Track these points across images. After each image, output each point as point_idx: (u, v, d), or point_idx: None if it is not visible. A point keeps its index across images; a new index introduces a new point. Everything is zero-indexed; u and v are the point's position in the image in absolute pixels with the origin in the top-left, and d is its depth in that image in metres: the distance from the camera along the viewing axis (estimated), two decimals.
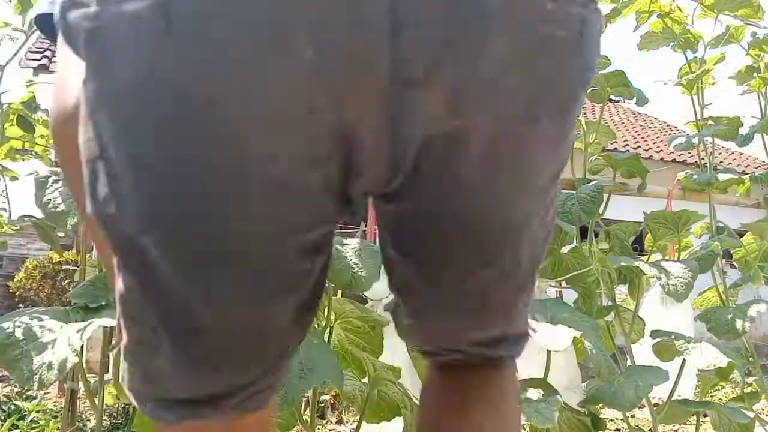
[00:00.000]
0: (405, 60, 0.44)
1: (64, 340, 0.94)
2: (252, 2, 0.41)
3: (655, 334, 1.57)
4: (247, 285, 0.51)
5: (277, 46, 0.42)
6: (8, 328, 0.95)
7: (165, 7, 0.41)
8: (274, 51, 0.42)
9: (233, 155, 0.44)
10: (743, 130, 2.02)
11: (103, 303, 1.09)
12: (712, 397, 4.13)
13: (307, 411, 1.42)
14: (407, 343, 0.78)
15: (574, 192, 1.62)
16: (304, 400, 1.57)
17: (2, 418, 3.70)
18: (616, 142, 7.78)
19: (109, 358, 1.27)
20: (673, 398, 1.62)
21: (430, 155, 0.50)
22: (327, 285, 1.35)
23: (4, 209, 1.36)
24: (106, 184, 0.47)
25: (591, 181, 1.67)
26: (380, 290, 1.65)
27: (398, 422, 1.39)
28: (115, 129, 0.45)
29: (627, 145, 8.86)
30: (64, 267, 8.11)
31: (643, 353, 1.65)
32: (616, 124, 10.11)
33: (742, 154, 9.95)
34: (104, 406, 1.24)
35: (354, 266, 1.21)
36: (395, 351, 1.55)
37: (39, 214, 1.09)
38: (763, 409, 4.00)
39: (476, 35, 0.45)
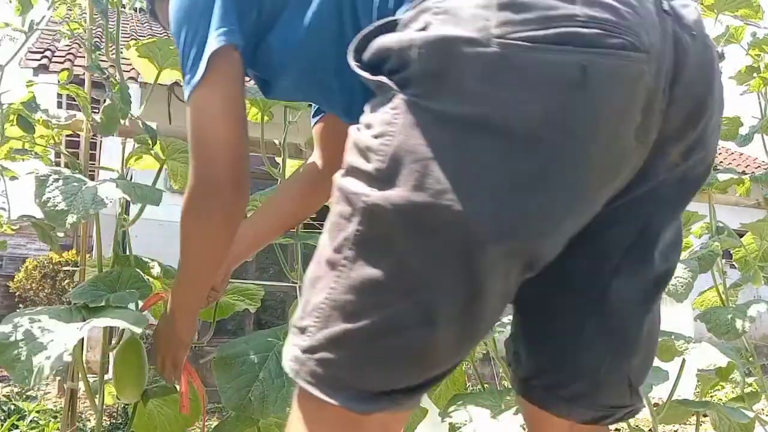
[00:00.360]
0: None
1: (61, 340, 0.94)
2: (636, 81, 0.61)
3: None
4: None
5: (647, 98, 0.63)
6: (8, 329, 0.95)
7: (585, 67, 0.57)
8: (622, 94, 0.61)
9: (607, 152, 0.62)
10: (743, 130, 2.02)
11: (102, 303, 1.09)
12: (712, 397, 4.13)
13: None
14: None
15: None
16: None
17: (2, 418, 3.69)
18: None
19: (109, 358, 1.27)
20: (673, 398, 1.62)
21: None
22: None
23: (4, 209, 1.36)
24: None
25: None
26: None
27: None
28: (502, 147, 0.58)
29: None
30: (64, 267, 8.12)
31: None
32: None
33: (741, 154, 9.95)
34: (104, 406, 1.24)
35: None
36: None
37: (38, 213, 1.08)
38: (763, 409, 4.00)
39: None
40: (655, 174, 0.71)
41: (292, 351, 0.64)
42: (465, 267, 0.60)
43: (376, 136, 0.62)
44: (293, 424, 0.65)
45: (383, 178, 0.60)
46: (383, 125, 0.61)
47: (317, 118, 1.13)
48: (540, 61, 0.58)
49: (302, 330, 0.64)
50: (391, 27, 0.65)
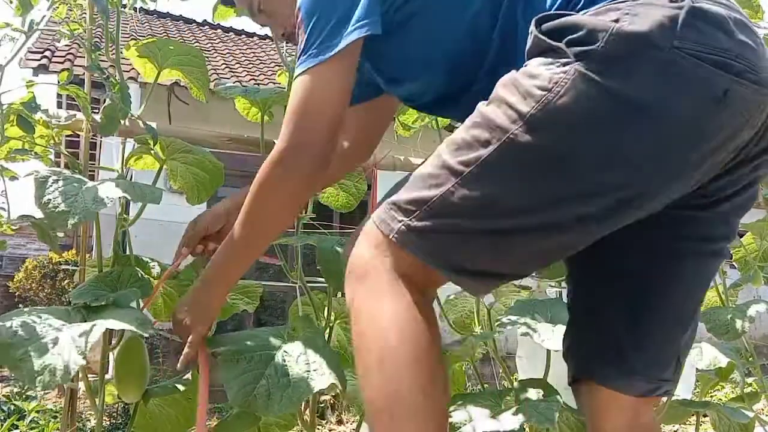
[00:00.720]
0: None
1: (67, 342, 0.93)
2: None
3: None
4: None
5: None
6: (11, 327, 0.95)
7: (727, 90, 0.75)
8: (745, 117, 0.79)
9: (723, 137, 0.78)
10: None
11: (103, 303, 1.09)
12: (712, 397, 4.13)
13: (307, 411, 1.42)
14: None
15: None
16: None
17: (2, 418, 3.69)
18: None
19: (109, 358, 1.27)
20: (673, 398, 1.62)
21: None
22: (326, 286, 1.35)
23: (3, 209, 1.36)
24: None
25: None
26: None
27: None
28: (648, 125, 0.75)
29: None
30: (63, 267, 8.11)
31: None
32: None
33: None
34: (104, 406, 1.24)
35: None
36: None
37: (38, 213, 1.08)
38: (762, 409, 4.00)
39: None
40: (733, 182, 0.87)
41: (397, 225, 0.82)
42: (575, 212, 0.77)
43: (540, 88, 0.75)
44: (379, 271, 0.82)
45: (533, 123, 0.75)
46: (550, 82, 0.75)
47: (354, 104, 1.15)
48: (699, 75, 0.74)
49: (409, 212, 0.81)
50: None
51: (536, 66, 0.78)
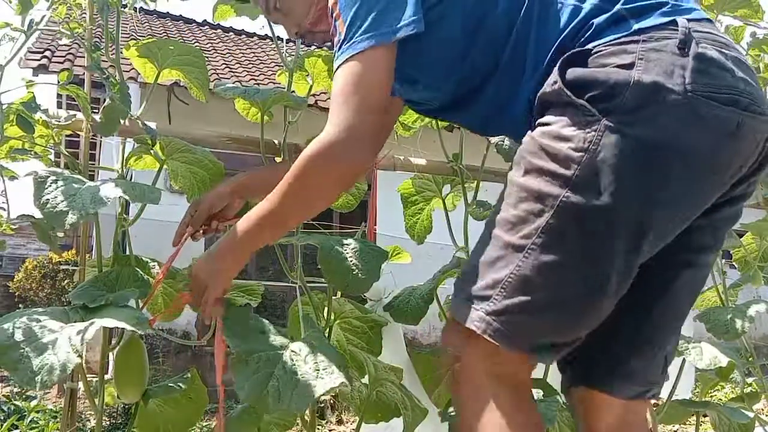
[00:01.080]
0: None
1: (64, 341, 0.93)
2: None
3: None
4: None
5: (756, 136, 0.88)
6: (8, 329, 0.95)
7: (740, 123, 0.83)
8: (753, 143, 0.88)
9: (729, 166, 0.87)
10: None
11: (102, 303, 1.09)
12: (711, 397, 4.13)
13: (307, 411, 1.42)
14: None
15: None
16: None
17: (2, 418, 3.69)
18: None
19: (109, 358, 1.27)
20: (673, 398, 1.62)
21: None
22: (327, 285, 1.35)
23: (3, 209, 1.36)
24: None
25: None
26: (380, 291, 1.65)
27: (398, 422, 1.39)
28: (674, 165, 0.82)
29: None
30: (63, 267, 8.11)
31: None
32: None
33: None
34: (104, 406, 1.24)
35: (354, 267, 1.21)
36: (395, 351, 1.55)
37: (38, 213, 1.08)
38: (762, 409, 4.00)
39: None
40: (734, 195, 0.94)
41: (475, 313, 0.85)
42: (628, 252, 0.83)
43: (577, 150, 0.81)
44: (471, 367, 0.87)
45: (581, 184, 0.81)
46: (585, 142, 0.81)
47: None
48: (715, 113, 0.82)
49: (485, 298, 0.85)
50: (586, 54, 0.86)
51: (564, 127, 0.84)
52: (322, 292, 1.41)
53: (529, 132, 0.90)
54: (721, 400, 3.82)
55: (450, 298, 1.63)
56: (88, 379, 1.26)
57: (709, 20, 0.92)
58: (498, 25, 0.95)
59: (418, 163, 1.61)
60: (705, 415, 1.73)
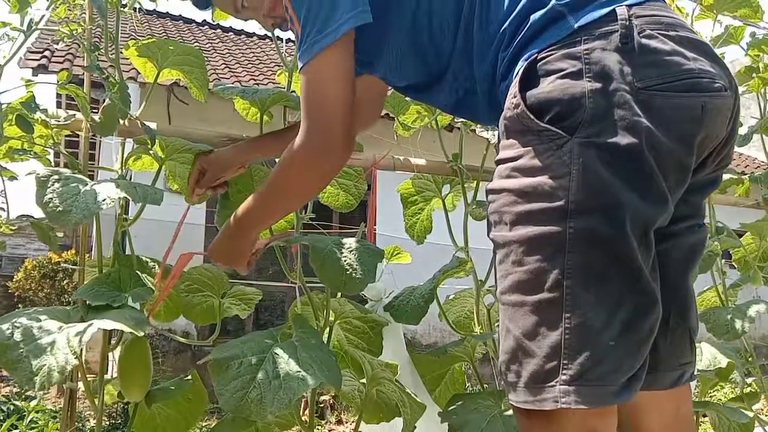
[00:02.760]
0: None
1: (63, 342, 0.93)
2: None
3: None
4: None
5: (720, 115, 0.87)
6: (7, 330, 0.95)
7: (703, 105, 0.81)
8: (720, 120, 0.87)
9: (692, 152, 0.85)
10: (742, 131, 2.02)
11: (103, 303, 1.09)
12: (711, 397, 4.13)
13: (306, 411, 1.42)
14: None
15: None
16: (302, 400, 1.57)
17: (2, 418, 3.69)
18: None
19: (108, 358, 1.27)
20: None
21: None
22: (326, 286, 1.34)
23: (3, 209, 1.36)
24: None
25: None
26: (380, 290, 1.65)
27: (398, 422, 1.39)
28: (651, 159, 0.79)
29: None
30: (63, 266, 8.10)
31: None
32: None
33: (741, 154, 9.95)
34: (104, 406, 1.24)
35: (348, 267, 1.21)
36: (395, 351, 1.55)
37: (38, 213, 1.08)
38: (762, 409, 4.00)
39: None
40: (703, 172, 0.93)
41: (553, 392, 0.76)
42: (641, 246, 0.79)
43: (559, 177, 0.78)
44: None
45: (579, 208, 0.77)
46: (562, 167, 0.78)
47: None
48: (675, 104, 0.80)
49: (553, 371, 0.77)
50: (535, 64, 0.84)
51: (534, 158, 0.81)
52: (322, 292, 1.41)
53: (495, 179, 0.87)
54: (720, 400, 3.82)
55: (449, 298, 1.64)
56: (88, 379, 1.26)
57: (656, 0, 0.88)
58: (446, 11, 0.96)
59: (417, 163, 1.61)
60: (705, 415, 1.73)
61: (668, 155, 0.80)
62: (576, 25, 0.83)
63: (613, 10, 0.83)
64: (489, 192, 0.87)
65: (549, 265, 0.78)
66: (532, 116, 0.81)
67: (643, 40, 0.81)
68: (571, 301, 0.77)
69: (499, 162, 0.88)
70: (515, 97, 0.84)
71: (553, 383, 0.76)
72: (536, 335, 0.78)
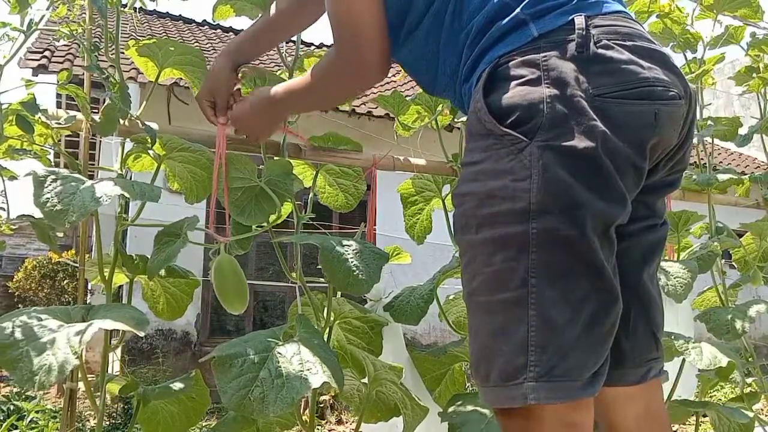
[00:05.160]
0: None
1: (63, 341, 0.93)
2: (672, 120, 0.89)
3: None
4: None
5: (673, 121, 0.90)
6: (8, 329, 0.95)
7: (656, 112, 0.85)
8: (673, 127, 0.90)
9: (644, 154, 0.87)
10: (742, 131, 2.02)
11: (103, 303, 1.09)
12: (711, 397, 4.13)
13: (307, 411, 1.42)
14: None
15: None
16: (303, 400, 1.57)
17: (2, 418, 3.69)
18: None
19: (108, 358, 1.27)
20: (673, 398, 1.62)
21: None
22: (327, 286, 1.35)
23: (3, 209, 1.36)
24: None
25: None
26: (380, 290, 1.65)
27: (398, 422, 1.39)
28: (625, 148, 0.83)
29: None
30: (65, 261, 8.10)
31: None
32: None
33: (741, 154, 9.95)
34: (104, 406, 1.24)
35: (354, 268, 1.21)
36: (395, 351, 1.55)
37: (37, 213, 1.08)
38: (762, 409, 4.00)
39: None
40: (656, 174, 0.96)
41: (522, 388, 0.78)
42: (603, 245, 0.82)
43: (521, 179, 0.81)
44: None
45: (540, 209, 0.80)
46: (523, 170, 0.81)
47: None
48: (628, 111, 0.83)
49: (521, 367, 0.78)
50: (496, 68, 0.87)
51: (497, 162, 0.83)
52: (322, 292, 1.41)
53: (461, 183, 0.89)
54: (721, 400, 3.82)
55: (449, 298, 1.64)
56: (88, 379, 1.26)
57: (619, 11, 0.91)
58: None
59: (417, 163, 1.61)
60: (705, 415, 1.73)
61: (623, 158, 0.83)
62: (536, 33, 0.86)
63: (572, 19, 0.86)
64: (455, 197, 0.90)
65: (514, 265, 0.80)
66: (494, 121, 0.84)
67: (599, 50, 0.84)
68: (536, 299, 0.79)
69: (464, 165, 0.90)
70: (478, 102, 0.87)
71: (521, 380, 0.78)
72: (503, 333, 0.81)
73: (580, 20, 0.85)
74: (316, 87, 1.10)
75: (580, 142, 0.80)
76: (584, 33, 0.84)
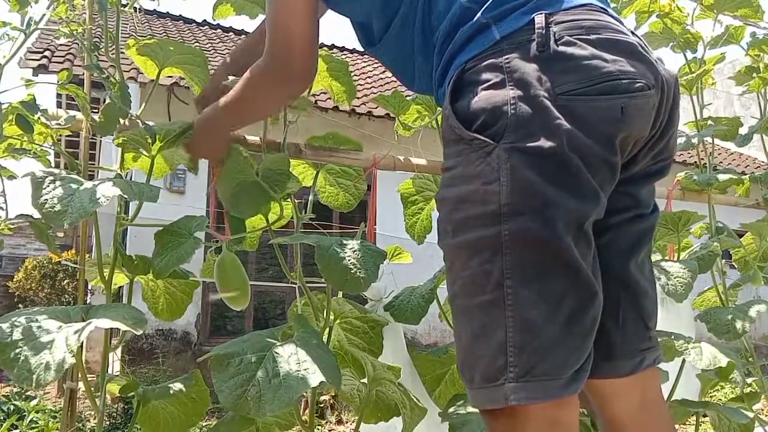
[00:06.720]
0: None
1: (62, 340, 0.94)
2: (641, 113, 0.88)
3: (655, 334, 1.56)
4: None
5: (643, 114, 0.88)
6: (7, 329, 0.95)
7: (623, 106, 0.84)
8: (643, 118, 0.89)
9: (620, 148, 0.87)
10: (743, 131, 2.02)
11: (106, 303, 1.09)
12: (711, 397, 4.13)
13: (306, 411, 1.42)
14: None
15: None
16: (303, 400, 1.57)
17: (2, 418, 3.69)
18: None
19: (108, 358, 1.27)
20: (673, 398, 1.62)
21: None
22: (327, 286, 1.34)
23: (2, 209, 1.36)
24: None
25: None
26: (380, 290, 1.65)
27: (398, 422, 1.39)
28: (592, 144, 0.83)
29: None
30: (64, 262, 8.11)
31: None
32: None
33: (741, 154, 9.95)
34: (104, 406, 1.24)
35: (351, 266, 1.21)
36: (395, 351, 1.55)
37: (37, 213, 1.08)
38: (762, 409, 4.00)
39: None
40: (635, 165, 0.95)
41: (504, 389, 0.78)
42: (579, 241, 0.82)
43: (490, 182, 0.81)
44: None
45: (511, 211, 0.80)
46: (492, 173, 0.81)
47: None
48: (592, 107, 0.83)
49: (501, 369, 0.79)
50: (462, 74, 0.88)
51: (467, 166, 0.84)
52: (321, 292, 1.41)
53: (440, 189, 0.90)
54: (720, 400, 3.82)
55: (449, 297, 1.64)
56: (88, 379, 1.26)
57: (584, 4, 0.90)
58: None
59: (418, 163, 1.61)
60: (705, 415, 1.73)
61: (592, 155, 0.83)
62: (499, 36, 0.87)
63: (533, 18, 0.85)
64: (436, 202, 0.91)
65: (489, 268, 0.81)
66: (461, 126, 0.85)
67: (560, 48, 0.84)
68: (513, 300, 0.79)
69: (442, 170, 0.91)
70: (446, 108, 0.88)
71: (501, 381, 0.79)
72: (483, 336, 0.81)
73: (539, 19, 0.85)
74: (245, 100, 1.12)
75: (546, 142, 0.81)
76: (544, 32, 0.84)
